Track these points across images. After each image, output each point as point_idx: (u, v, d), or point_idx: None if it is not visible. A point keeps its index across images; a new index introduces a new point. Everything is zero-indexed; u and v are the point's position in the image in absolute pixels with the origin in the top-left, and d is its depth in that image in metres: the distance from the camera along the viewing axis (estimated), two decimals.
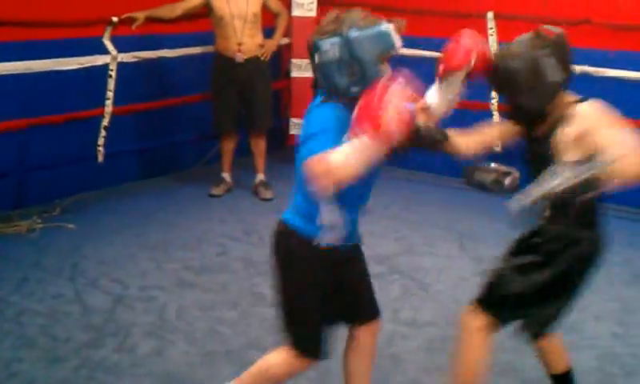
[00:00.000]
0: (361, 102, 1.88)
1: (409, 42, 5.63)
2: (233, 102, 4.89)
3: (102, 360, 2.91)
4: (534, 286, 2.24)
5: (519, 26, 4.75)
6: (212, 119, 5.02)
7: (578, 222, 2.21)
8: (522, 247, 2.34)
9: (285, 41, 5.48)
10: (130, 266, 3.83)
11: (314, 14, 5.49)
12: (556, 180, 1.95)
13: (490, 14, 5.01)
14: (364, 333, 2.36)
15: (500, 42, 4.95)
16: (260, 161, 5.07)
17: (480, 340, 2.32)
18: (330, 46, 2.00)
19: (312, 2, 5.48)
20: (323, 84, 2.08)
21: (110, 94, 4.64)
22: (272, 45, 4.94)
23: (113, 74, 4.62)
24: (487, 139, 2.44)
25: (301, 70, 5.59)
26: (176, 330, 3.16)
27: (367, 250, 4.01)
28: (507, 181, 5.13)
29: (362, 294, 2.39)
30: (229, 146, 5.04)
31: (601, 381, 2.84)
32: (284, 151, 5.87)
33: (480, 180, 5.28)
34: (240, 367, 2.83)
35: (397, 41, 2.04)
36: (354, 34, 1.99)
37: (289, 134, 5.78)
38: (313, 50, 2.06)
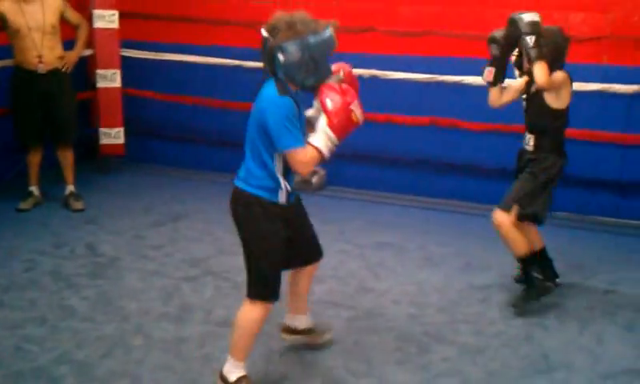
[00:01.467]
0: (333, 100, 2.56)
1: (210, 51, 5.85)
2: (36, 115, 4.76)
3: None
4: (535, 188, 3.49)
5: None
6: (15, 133, 4.84)
7: (552, 151, 3.52)
8: (523, 167, 3.59)
9: (88, 52, 5.47)
10: None
11: (116, 25, 5.55)
12: None
13: None
14: (311, 267, 3.01)
15: None
16: (69, 172, 4.98)
17: (516, 227, 3.48)
18: (294, 48, 2.50)
19: (113, 15, 5.53)
20: (282, 77, 2.56)
21: None
22: (73, 56, 4.88)
23: None
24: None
25: (106, 80, 5.60)
26: None
27: (182, 254, 4.18)
28: (315, 179, 5.47)
29: (310, 236, 2.96)
30: (35, 159, 4.89)
31: (399, 360, 3.10)
32: (95, 161, 5.82)
33: (302, 180, 5.56)
34: (50, 383, 2.83)
35: (336, 40, 2.58)
36: (312, 39, 2.51)
37: (99, 143, 5.71)
38: (276, 49, 2.51)
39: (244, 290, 3.78)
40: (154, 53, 5.70)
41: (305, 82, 2.58)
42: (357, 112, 2.60)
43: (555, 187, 3.58)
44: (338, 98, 2.57)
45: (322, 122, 2.58)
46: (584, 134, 4.73)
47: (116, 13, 5.53)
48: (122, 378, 2.89)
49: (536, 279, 3.63)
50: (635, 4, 4.60)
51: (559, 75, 3.40)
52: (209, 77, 5.67)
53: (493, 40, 3.47)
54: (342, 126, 2.58)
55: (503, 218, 3.47)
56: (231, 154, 5.85)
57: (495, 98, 3.60)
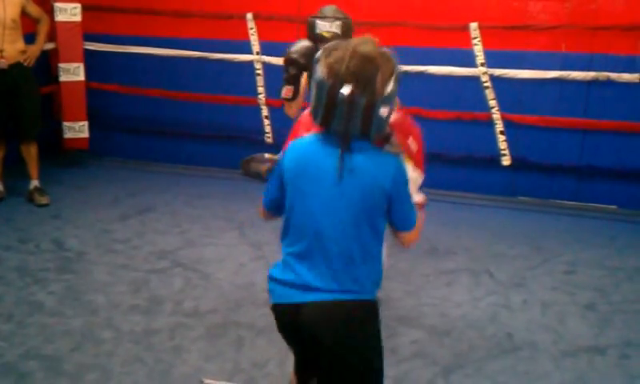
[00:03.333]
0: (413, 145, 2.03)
1: (174, 44, 5.86)
2: None
3: None
4: None
5: (277, 25, 5.29)
6: None
7: None
8: None
9: (50, 45, 5.41)
10: None
11: (78, 18, 5.49)
12: None
13: (250, 15, 5.32)
14: None
15: (260, 40, 5.31)
16: (33, 167, 4.91)
17: None
18: (394, 95, 1.81)
19: (76, 7, 5.47)
20: (373, 133, 1.82)
21: None
22: (34, 50, 4.81)
23: None
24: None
25: (70, 73, 5.54)
26: None
27: (150, 247, 4.18)
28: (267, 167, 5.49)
29: None
30: None
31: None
32: (59, 156, 5.77)
33: (256, 170, 5.57)
34: (17, 379, 2.81)
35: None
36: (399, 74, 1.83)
37: (63, 137, 5.66)
38: (379, 103, 1.77)
39: (213, 280, 3.82)
40: (117, 45, 5.65)
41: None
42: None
43: None
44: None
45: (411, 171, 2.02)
46: (544, 120, 4.84)
47: (78, 6, 5.47)
48: (92, 372, 2.88)
49: None
50: None
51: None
52: (173, 69, 5.64)
53: (290, 62, 3.29)
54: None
55: None
56: (196, 145, 5.92)
57: (293, 111, 3.42)
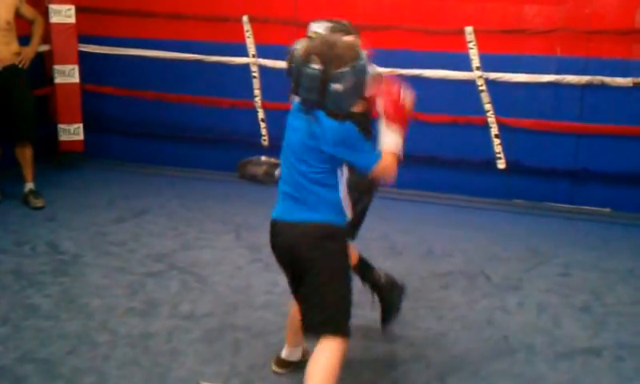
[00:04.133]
0: (386, 100, 2.42)
1: (169, 46, 5.89)
2: None
3: None
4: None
5: (272, 27, 5.30)
6: None
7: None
8: None
9: (45, 47, 5.41)
10: None
11: (73, 20, 5.50)
12: None
13: (246, 18, 5.33)
14: None
15: (256, 43, 5.32)
16: (28, 170, 4.90)
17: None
18: (349, 77, 2.26)
19: (70, 9, 5.48)
20: (332, 107, 2.31)
21: None
22: (29, 52, 4.80)
23: None
24: None
25: (65, 76, 5.55)
26: None
27: (146, 250, 4.17)
28: (277, 172, 5.49)
29: None
30: None
31: (365, 347, 3.12)
32: (55, 158, 5.75)
33: (252, 173, 5.59)
34: (12, 383, 2.80)
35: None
36: (360, 63, 2.29)
37: (58, 140, 5.65)
38: (334, 78, 2.25)
39: (210, 283, 3.80)
40: (112, 48, 5.64)
41: (351, 108, 2.37)
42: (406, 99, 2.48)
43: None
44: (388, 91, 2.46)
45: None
46: (539, 124, 4.86)
47: (72, 7, 5.48)
48: (88, 375, 2.87)
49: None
50: None
51: None
52: (169, 72, 5.64)
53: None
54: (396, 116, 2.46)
55: None
56: (192, 148, 5.92)
57: None
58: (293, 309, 2.73)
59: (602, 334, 3.33)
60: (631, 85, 4.63)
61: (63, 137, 5.65)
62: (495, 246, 4.38)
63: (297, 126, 2.40)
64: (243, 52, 5.39)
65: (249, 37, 5.35)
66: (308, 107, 2.33)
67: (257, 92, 5.47)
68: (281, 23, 5.21)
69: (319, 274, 2.39)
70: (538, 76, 4.78)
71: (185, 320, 3.33)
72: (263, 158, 5.61)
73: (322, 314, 2.39)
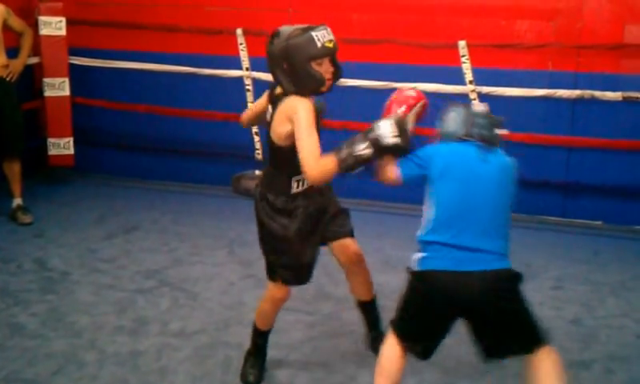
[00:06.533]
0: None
1: (162, 59, 5.86)
2: None
3: None
4: None
5: (266, 41, 5.26)
6: None
7: None
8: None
9: (34, 60, 5.37)
10: None
11: (63, 32, 5.45)
12: None
13: (240, 31, 5.30)
14: None
15: (250, 56, 5.31)
16: (16, 185, 4.85)
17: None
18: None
19: (60, 21, 5.44)
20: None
21: None
22: (18, 65, 4.76)
23: None
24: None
25: (55, 89, 5.50)
26: None
27: (136, 266, 4.13)
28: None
29: None
30: None
31: (359, 364, 3.11)
32: (44, 173, 5.70)
33: (246, 187, 5.55)
34: None
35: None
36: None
37: (48, 154, 5.60)
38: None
39: (201, 300, 3.77)
40: (103, 60, 5.60)
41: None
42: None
43: None
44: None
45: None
46: (531, 138, 4.87)
47: (63, 19, 5.43)
48: None
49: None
50: (577, 12, 4.75)
51: None
52: (161, 85, 5.61)
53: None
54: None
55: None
56: (184, 162, 5.88)
57: None
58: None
59: (593, 346, 3.33)
60: (621, 99, 4.65)
61: (53, 151, 5.59)
62: None
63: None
64: (237, 65, 5.36)
65: (243, 50, 5.33)
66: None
67: (250, 105, 5.44)
68: None
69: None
70: (530, 90, 4.80)
71: (175, 337, 3.30)
72: (257, 172, 5.57)
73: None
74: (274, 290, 2.84)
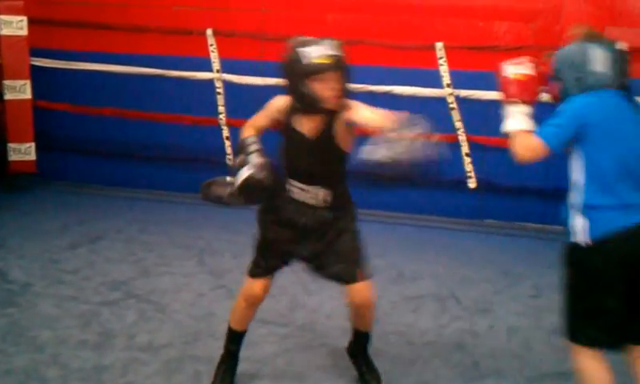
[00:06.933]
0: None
1: (129, 60, 5.79)
2: None
3: None
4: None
5: (238, 41, 5.20)
6: None
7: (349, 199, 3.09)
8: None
9: None
10: None
11: (24, 32, 5.35)
12: None
13: (210, 31, 5.25)
14: None
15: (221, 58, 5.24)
16: None
17: None
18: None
19: (22, 20, 5.33)
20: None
21: None
22: None
23: None
24: None
25: (15, 91, 5.41)
26: None
27: (101, 277, 4.01)
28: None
29: None
30: None
31: (333, 375, 3.05)
32: (4, 179, 5.56)
33: (217, 194, 5.41)
34: None
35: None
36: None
37: (8, 160, 5.48)
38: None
39: (169, 312, 3.66)
40: (67, 62, 5.50)
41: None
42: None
43: None
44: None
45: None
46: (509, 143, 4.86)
47: (24, 18, 5.33)
48: None
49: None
50: (556, 14, 4.77)
51: None
52: (128, 87, 5.51)
53: None
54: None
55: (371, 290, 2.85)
56: (152, 168, 5.78)
57: None
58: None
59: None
60: None
61: (14, 157, 5.49)
62: (466, 267, 4.34)
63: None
64: (207, 67, 5.29)
65: (213, 51, 5.26)
66: None
67: (221, 109, 5.38)
68: (247, 37, 5.13)
69: None
70: None
71: (142, 352, 3.19)
72: (228, 178, 5.43)
73: None
74: (245, 283, 2.82)
